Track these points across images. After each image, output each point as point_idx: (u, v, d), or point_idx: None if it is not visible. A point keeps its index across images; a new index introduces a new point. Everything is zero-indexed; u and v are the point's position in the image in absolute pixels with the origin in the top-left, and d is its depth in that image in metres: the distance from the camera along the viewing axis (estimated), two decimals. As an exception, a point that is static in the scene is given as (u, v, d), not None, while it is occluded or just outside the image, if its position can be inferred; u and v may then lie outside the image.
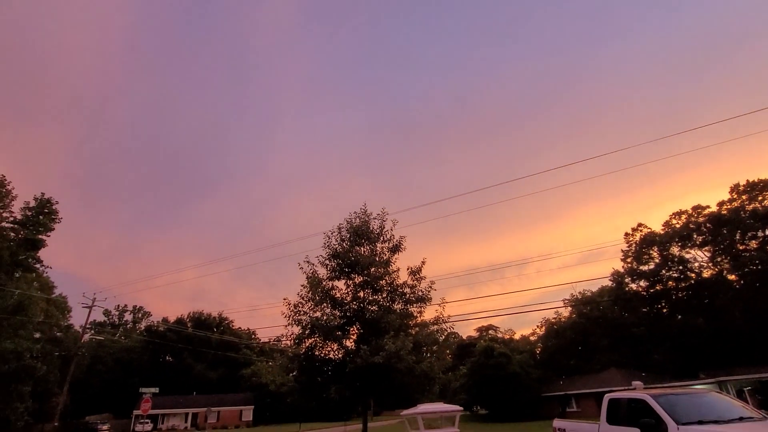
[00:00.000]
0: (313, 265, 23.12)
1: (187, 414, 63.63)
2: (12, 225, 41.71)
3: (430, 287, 23.07)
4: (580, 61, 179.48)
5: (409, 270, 23.44)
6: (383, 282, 22.88)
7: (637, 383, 10.78)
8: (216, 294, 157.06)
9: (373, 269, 22.73)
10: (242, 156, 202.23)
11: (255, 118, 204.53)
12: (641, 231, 51.53)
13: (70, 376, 40.44)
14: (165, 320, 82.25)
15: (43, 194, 43.43)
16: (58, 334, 56.45)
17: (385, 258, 23.75)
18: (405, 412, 15.89)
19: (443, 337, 23.15)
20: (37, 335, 47.52)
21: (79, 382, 59.91)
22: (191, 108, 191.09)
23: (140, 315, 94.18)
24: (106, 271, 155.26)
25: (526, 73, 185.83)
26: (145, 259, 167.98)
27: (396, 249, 24.18)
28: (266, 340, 79.85)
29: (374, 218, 24.42)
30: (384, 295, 22.80)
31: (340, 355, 21.85)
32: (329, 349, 21.90)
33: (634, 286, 51.55)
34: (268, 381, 67.33)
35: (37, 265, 44.38)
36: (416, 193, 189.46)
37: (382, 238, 24.25)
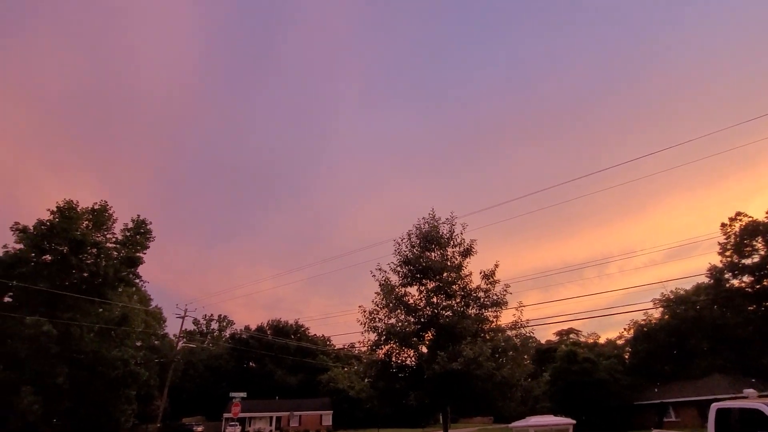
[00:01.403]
0: (385, 272, 23.35)
1: (271, 417, 66.70)
2: (114, 245, 46.44)
3: (505, 291, 22.39)
4: (655, 42, 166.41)
5: (482, 274, 22.93)
6: (456, 287, 22.57)
7: (749, 391, 9.67)
8: (291, 302, 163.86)
9: (445, 274, 22.49)
10: (306, 168, 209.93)
11: (315, 129, 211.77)
12: (741, 220, 46.30)
13: (168, 381, 43.92)
14: (247, 328, 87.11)
15: (138, 216, 47.88)
16: (156, 342, 61.77)
17: (456, 262, 23.43)
18: (515, 424, 15.49)
19: (521, 342, 22.30)
20: (139, 344, 52.31)
21: (175, 387, 65.05)
22: (257, 126, 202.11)
23: (225, 323, 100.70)
24: (191, 283, 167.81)
25: (591, 62, 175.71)
26: (225, 270, 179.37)
27: (467, 253, 23.76)
28: (340, 346, 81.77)
29: (443, 223, 24.22)
30: (457, 300, 22.48)
31: (415, 362, 21.79)
32: (405, 355, 21.93)
33: (736, 282, 46.30)
34: (346, 387, 68.74)
35: (136, 280, 48.94)
36: (482, 195, 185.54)
37: (452, 243, 23.96)
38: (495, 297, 22.22)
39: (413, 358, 21.95)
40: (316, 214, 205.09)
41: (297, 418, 65.21)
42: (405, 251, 23.69)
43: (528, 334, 22.35)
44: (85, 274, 43.27)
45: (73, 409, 42.27)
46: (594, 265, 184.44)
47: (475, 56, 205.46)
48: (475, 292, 22.57)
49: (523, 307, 21.84)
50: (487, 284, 22.70)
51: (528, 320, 21.88)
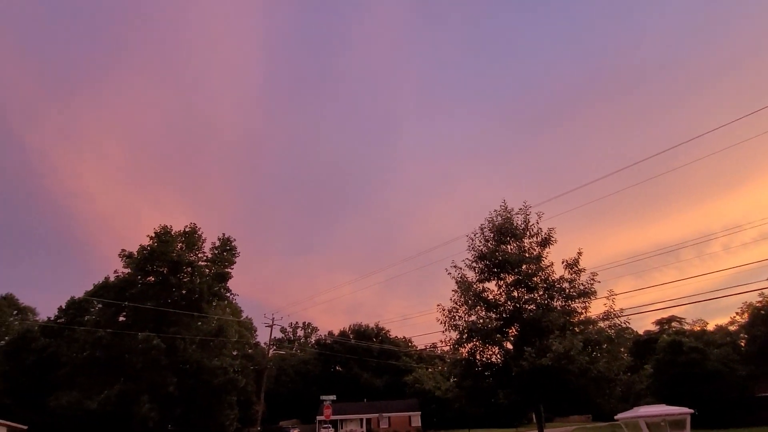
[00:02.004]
0: (461, 269, 22.90)
1: (361, 419, 68.24)
2: (206, 263, 50.37)
3: (592, 280, 20.98)
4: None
5: (565, 263, 21.72)
6: (537, 279, 21.60)
7: None
8: (370, 306, 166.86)
9: (524, 267, 21.61)
10: (375, 173, 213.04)
11: (379, 133, 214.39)
12: None
13: (264, 386, 46.62)
14: (330, 333, 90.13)
15: (223, 234, 51.55)
16: (249, 351, 65.91)
17: (535, 253, 22.42)
18: (621, 415, 14.40)
19: (616, 333, 20.74)
20: (235, 353, 56.15)
21: (270, 392, 68.86)
22: (324, 137, 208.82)
23: (309, 330, 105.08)
24: (276, 293, 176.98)
25: (660, 30, 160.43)
26: (306, 279, 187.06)
27: (546, 243, 22.65)
28: (423, 347, 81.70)
29: (516, 214, 23.32)
30: (540, 293, 21.46)
31: (501, 359, 21.12)
32: (490, 352, 21.33)
33: None
34: (432, 387, 68.52)
35: (228, 294, 52.63)
36: (557, 181, 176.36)
37: (528, 233, 22.98)
38: (581, 287, 20.92)
39: (498, 356, 21.31)
40: (389, 218, 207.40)
41: (386, 419, 66.10)
42: (479, 246, 23.11)
43: (623, 325, 20.73)
44: (184, 291, 47.34)
45: (184, 414, 46.30)
46: (693, 244, 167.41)
47: (533, 32, 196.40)
48: (558, 283, 21.43)
49: (614, 296, 20.32)
50: (571, 274, 21.47)
51: (621, 310, 20.32)
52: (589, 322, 20.91)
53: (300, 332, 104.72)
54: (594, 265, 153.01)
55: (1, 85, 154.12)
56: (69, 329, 51.08)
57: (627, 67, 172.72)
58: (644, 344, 57.66)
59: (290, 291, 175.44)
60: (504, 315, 21.49)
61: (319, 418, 64.35)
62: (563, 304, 21.14)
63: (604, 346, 19.57)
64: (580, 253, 21.66)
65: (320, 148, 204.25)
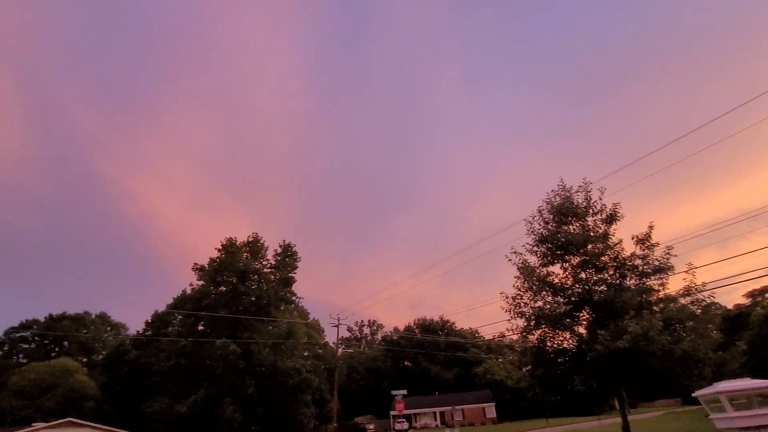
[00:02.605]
0: (521, 254, 22.12)
1: (435, 413, 68.25)
2: (270, 270, 52.56)
3: (668, 254, 19.49)
4: None
5: (635, 239, 20.35)
6: (605, 258, 20.40)
7: None
8: (433, 299, 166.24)
9: (589, 246, 20.49)
10: (426, 164, 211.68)
11: (425, 124, 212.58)
12: None
13: (336, 384, 47.93)
14: (396, 329, 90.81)
15: (284, 241, 53.53)
16: (319, 351, 67.95)
17: (600, 232, 21.20)
18: (700, 392, 13.29)
19: (700, 309, 19.10)
20: (306, 354, 58.20)
21: (342, 390, 70.63)
22: (370, 135, 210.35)
23: (375, 327, 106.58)
24: (338, 294, 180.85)
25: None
26: (366, 277, 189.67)
27: (611, 219, 21.34)
28: (490, 337, 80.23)
29: (576, 192, 22.12)
30: (610, 273, 20.26)
31: (574, 344, 20.19)
32: (561, 338, 20.46)
33: None
34: (504, 378, 67.14)
35: (293, 298, 54.61)
36: (617, 153, 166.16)
37: (591, 211, 21.77)
38: (656, 263, 19.47)
39: (571, 341, 20.38)
40: (442, 210, 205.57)
41: (460, 411, 65.61)
42: (539, 229, 22.19)
43: (707, 300, 19.06)
44: (253, 298, 49.71)
45: (264, 415, 48.64)
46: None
47: (573, 3, 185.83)
48: (630, 261, 20.10)
49: (694, 270, 18.73)
50: (643, 250, 20.05)
51: (704, 284, 18.69)
52: (668, 299, 19.45)
53: (366, 330, 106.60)
54: (668, 238, 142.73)
55: (76, 122, 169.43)
56: (155, 341, 55.29)
57: (682, 29, 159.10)
58: (735, 319, 53.08)
59: (352, 290, 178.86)
60: (572, 299, 20.51)
61: (392, 413, 65.08)
62: (637, 282, 19.81)
63: (688, 324, 18.13)
64: (651, 227, 20.21)
65: (366, 148, 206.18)
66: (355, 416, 74.00)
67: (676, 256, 19.52)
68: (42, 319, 79.45)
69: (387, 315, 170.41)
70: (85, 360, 76.09)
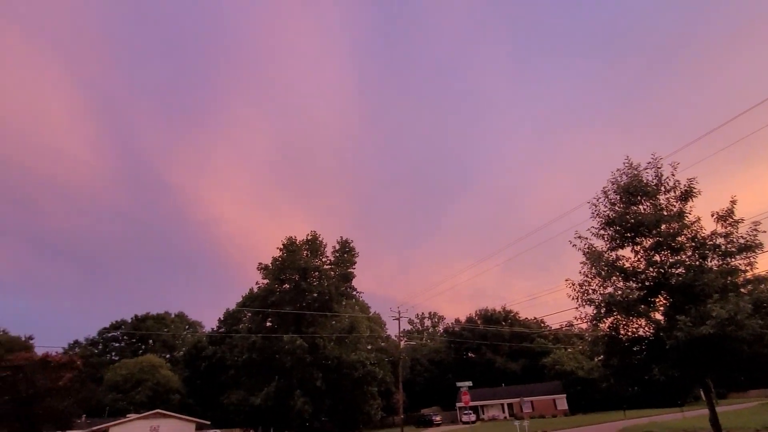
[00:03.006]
0: (586, 238, 21.00)
1: (502, 404, 67.04)
2: (329, 266, 53.85)
3: (755, 230, 17.69)
4: None
5: (715, 216, 18.64)
6: (682, 238, 18.88)
7: None
8: (493, 289, 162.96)
9: (663, 227, 19.05)
10: (477, 152, 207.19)
11: (477, 110, 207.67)
12: None
13: (401, 377, 48.38)
14: (457, 321, 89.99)
15: (341, 237, 54.57)
16: (382, 344, 68.83)
17: (675, 210, 19.63)
18: None
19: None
20: (369, 347, 59.18)
21: (407, 382, 71.16)
22: (422, 126, 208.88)
23: (436, 319, 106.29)
24: (398, 287, 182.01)
25: None
26: (425, 269, 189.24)
27: (686, 196, 19.67)
28: (556, 326, 77.30)
29: (645, 169, 20.62)
30: (689, 254, 18.73)
31: (651, 331, 18.94)
32: (636, 325, 19.25)
33: None
34: (574, 368, 64.52)
35: (354, 293, 55.62)
36: (685, 127, 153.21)
37: (663, 189, 20.21)
38: (741, 241, 17.73)
39: (647, 328, 19.12)
40: (499, 198, 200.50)
41: (528, 403, 63.97)
42: (605, 211, 20.92)
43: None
44: (315, 294, 51.22)
45: (332, 406, 50.15)
46: None
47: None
48: (710, 240, 18.45)
49: (787, 244, 16.89)
50: (725, 227, 18.31)
51: (801, 260, 16.83)
52: (757, 280, 17.68)
53: (427, 322, 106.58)
54: (754, 213, 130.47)
55: (145, 135, 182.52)
56: (228, 337, 58.66)
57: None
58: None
59: (411, 283, 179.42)
60: (646, 283, 19.19)
61: (458, 404, 64.73)
62: (720, 263, 18.16)
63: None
64: (733, 202, 18.40)
65: (418, 140, 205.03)
66: (421, 408, 74.34)
67: (764, 231, 17.70)
68: (129, 320, 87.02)
69: (447, 306, 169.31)
70: (167, 356, 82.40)
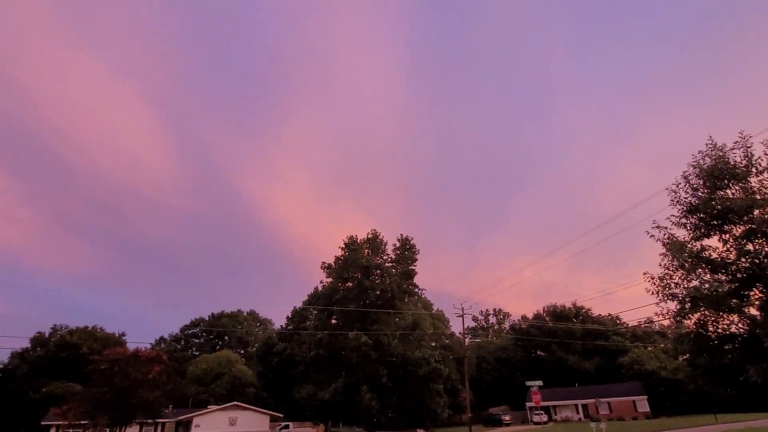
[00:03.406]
0: (666, 228, 19.40)
1: (576, 405, 63.90)
2: (391, 264, 54.14)
3: None
4: None
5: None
6: (780, 224, 16.88)
7: None
8: (562, 285, 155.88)
9: (756, 212, 17.16)
10: (539, 143, 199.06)
11: (536, 99, 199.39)
12: None
13: (467, 374, 47.63)
14: (524, 317, 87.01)
15: (401, 234, 54.67)
16: (446, 341, 68.19)
17: (770, 193, 17.59)
18: None
19: None
20: (433, 344, 58.83)
21: (473, 379, 69.90)
22: (478, 120, 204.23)
23: (502, 316, 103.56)
24: (460, 284, 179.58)
25: None
26: (488, 265, 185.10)
27: (784, 177, 17.57)
28: (634, 323, 72.35)
29: (731, 150, 18.65)
30: (789, 242, 16.74)
31: (745, 328, 17.15)
32: (727, 321, 17.52)
33: None
34: (655, 368, 60.08)
35: (416, 290, 55.52)
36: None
37: (754, 170, 18.17)
38: None
39: (740, 325, 17.33)
40: (566, 186, 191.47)
41: (605, 405, 60.53)
42: (686, 198, 19.16)
43: None
44: (378, 292, 51.76)
45: (398, 403, 50.48)
46: None
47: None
48: (814, 226, 16.36)
49: None
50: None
51: None
52: None
53: (492, 319, 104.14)
54: None
55: (213, 147, 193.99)
56: (296, 334, 60.88)
57: None
58: None
59: (473, 279, 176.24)
60: (738, 275, 17.38)
61: (528, 404, 62.61)
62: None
63: None
64: None
65: (478, 132, 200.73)
66: (488, 406, 72.75)
67: None
68: (206, 318, 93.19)
69: (512, 303, 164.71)
70: (242, 352, 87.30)
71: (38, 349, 66.78)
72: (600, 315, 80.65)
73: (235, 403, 52.93)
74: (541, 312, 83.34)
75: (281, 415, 55.12)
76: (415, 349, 50.10)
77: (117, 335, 72.75)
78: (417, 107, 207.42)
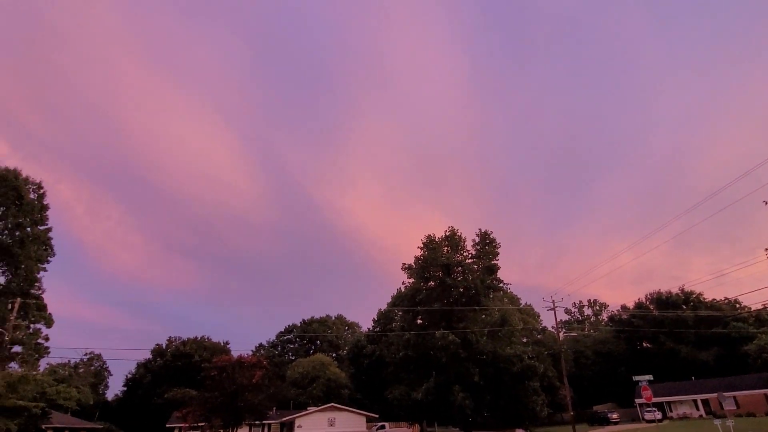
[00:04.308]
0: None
1: (695, 400, 57.59)
2: (472, 260, 52.89)
3: None
4: None
5: None
6: None
7: None
8: (664, 269, 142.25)
9: None
10: (624, 116, 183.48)
11: (615, 66, 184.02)
12: None
13: (564, 371, 44.97)
14: (624, 307, 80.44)
15: (480, 229, 53.20)
16: (538, 336, 65.13)
17: None
18: None
19: None
20: (524, 340, 56.46)
21: (572, 375, 65.89)
22: (558, 96, 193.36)
23: (598, 307, 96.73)
24: (547, 275, 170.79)
25: None
26: (576, 253, 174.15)
27: None
28: (758, 306, 63.67)
29: None
30: None
31: None
32: None
33: None
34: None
35: (500, 285, 53.68)
36: None
37: None
38: None
39: None
40: (656, 161, 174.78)
41: (731, 400, 53.81)
42: (815, 157, 16.39)
43: None
44: (461, 289, 50.80)
45: (493, 401, 49.00)
46: None
47: None
48: None
49: None
50: None
51: None
52: None
53: (587, 311, 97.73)
54: None
55: (293, 161, 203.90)
56: (384, 335, 61.72)
57: None
58: None
59: (562, 271, 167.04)
60: None
61: (638, 401, 57.62)
62: None
63: None
64: None
65: (547, 120, 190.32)
66: (591, 404, 68.14)
67: None
68: (299, 323, 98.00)
69: (608, 293, 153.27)
70: (333, 355, 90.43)
71: (158, 359, 74.51)
72: (714, 299, 72.26)
73: (333, 404, 54.88)
74: (644, 300, 76.53)
75: (377, 416, 56.12)
76: (505, 346, 48.36)
77: (222, 344, 78.92)
78: (482, 99, 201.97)
